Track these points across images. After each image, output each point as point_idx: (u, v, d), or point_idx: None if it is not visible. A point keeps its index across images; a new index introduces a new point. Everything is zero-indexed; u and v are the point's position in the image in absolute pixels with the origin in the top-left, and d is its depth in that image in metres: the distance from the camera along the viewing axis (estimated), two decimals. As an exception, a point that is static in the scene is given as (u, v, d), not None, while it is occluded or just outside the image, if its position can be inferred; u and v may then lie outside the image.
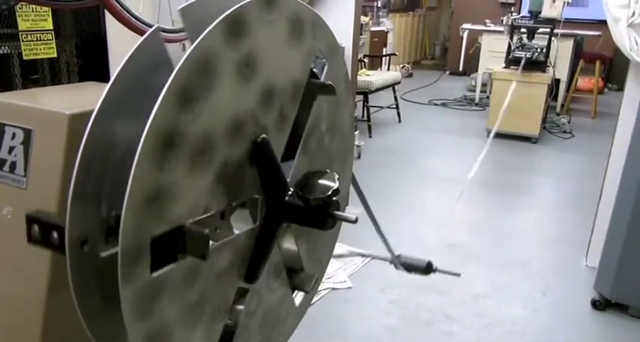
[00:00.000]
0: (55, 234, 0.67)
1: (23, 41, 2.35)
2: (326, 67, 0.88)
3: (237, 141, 0.71)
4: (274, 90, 0.76)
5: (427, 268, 0.84)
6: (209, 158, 0.67)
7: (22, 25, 2.33)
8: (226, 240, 0.74)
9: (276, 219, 0.78)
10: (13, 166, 0.83)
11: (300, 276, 0.93)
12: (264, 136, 0.73)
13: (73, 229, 0.63)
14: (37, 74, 2.72)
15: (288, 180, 0.80)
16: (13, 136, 0.83)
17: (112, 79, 0.63)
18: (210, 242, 0.68)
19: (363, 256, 0.80)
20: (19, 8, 2.30)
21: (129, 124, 0.65)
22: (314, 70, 0.83)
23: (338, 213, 0.76)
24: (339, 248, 2.67)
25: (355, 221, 0.76)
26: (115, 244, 0.59)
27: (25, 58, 2.40)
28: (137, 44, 0.66)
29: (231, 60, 0.67)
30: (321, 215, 0.75)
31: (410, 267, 0.86)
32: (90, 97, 0.68)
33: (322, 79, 0.86)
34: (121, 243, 0.57)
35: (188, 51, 0.61)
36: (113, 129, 0.66)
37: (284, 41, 0.76)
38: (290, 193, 0.78)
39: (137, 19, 1.04)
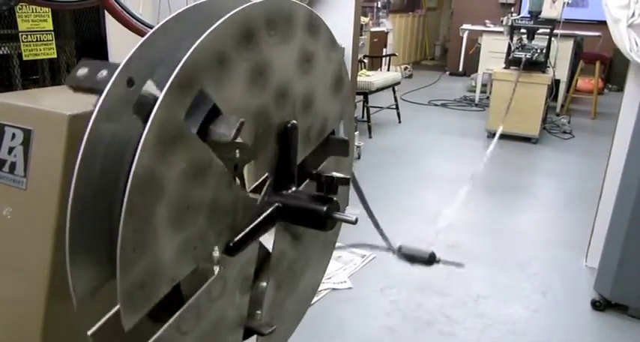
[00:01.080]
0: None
1: (23, 42, 2.36)
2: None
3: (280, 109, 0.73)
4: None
5: (430, 260, 0.84)
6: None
7: (22, 25, 2.33)
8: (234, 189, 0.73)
9: (275, 208, 0.78)
10: (12, 166, 0.83)
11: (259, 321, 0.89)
12: (294, 122, 0.77)
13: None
14: (37, 75, 2.73)
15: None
16: (13, 136, 0.83)
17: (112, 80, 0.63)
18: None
19: (367, 246, 0.81)
20: (19, 9, 2.30)
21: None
22: None
23: (337, 214, 0.76)
24: (341, 249, 2.67)
25: (355, 222, 0.76)
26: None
27: (25, 58, 2.40)
28: (137, 45, 0.66)
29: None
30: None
31: (412, 258, 0.86)
32: (90, 97, 0.68)
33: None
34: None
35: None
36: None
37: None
38: (291, 192, 0.78)
39: (137, 20, 1.04)
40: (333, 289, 2.37)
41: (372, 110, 5.17)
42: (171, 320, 0.67)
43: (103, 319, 0.67)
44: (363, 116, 5.07)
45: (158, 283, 0.63)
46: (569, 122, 5.44)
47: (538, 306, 2.31)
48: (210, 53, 0.62)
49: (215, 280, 0.73)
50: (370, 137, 4.90)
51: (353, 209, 1.11)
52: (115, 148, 0.62)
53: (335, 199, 0.77)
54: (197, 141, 0.64)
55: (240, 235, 0.73)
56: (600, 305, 2.27)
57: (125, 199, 0.55)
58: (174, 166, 0.61)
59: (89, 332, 0.68)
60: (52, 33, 2.46)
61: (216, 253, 0.72)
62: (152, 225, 0.60)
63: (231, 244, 0.72)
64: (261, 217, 0.75)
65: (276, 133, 0.76)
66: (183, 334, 0.70)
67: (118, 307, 0.59)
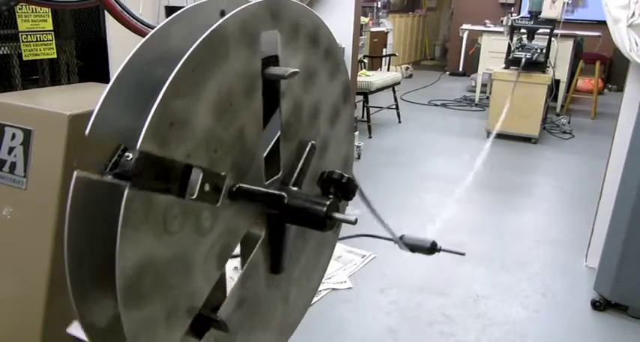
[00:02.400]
0: None
1: (23, 42, 2.36)
2: None
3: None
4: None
5: (431, 248, 0.84)
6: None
7: (22, 25, 2.33)
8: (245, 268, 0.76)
9: (280, 223, 0.80)
10: (12, 166, 0.83)
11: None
12: (238, 185, 0.75)
13: None
14: (37, 75, 2.72)
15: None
16: (13, 136, 0.83)
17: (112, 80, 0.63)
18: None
19: (370, 237, 0.81)
20: (19, 9, 2.30)
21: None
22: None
23: (337, 214, 0.76)
24: (339, 248, 2.67)
25: (355, 222, 0.76)
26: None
27: (25, 58, 2.40)
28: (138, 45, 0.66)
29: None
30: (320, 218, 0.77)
31: (414, 247, 0.86)
32: (90, 97, 0.68)
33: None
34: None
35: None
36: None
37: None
38: (289, 194, 0.78)
39: (137, 20, 1.04)
40: (333, 289, 2.37)
41: (371, 110, 5.17)
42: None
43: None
44: (363, 116, 5.06)
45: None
46: (569, 122, 5.44)
47: (538, 306, 2.31)
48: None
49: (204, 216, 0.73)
50: (370, 137, 4.90)
51: (353, 209, 1.11)
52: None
53: (335, 199, 0.77)
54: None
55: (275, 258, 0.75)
56: (600, 305, 2.27)
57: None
58: None
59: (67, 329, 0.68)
60: (52, 33, 2.46)
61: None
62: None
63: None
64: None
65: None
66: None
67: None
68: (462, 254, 0.83)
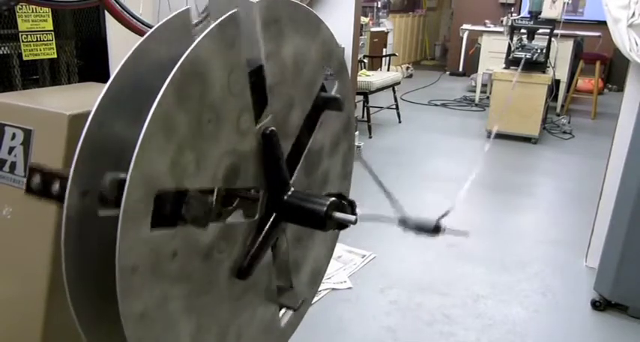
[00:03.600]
0: (56, 185, 0.66)
1: (23, 42, 2.36)
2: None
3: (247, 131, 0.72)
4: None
5: (435, 229, 0.84)
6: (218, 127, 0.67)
7: (22, 25, 2.33)
8: (226, 224, 0.73)
9: (275, 216, 0.78)
10: (13, 166, 0.83)
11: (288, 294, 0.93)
12: (273, 128, 0.75)
13: (76, 180, 0.61)
14: (37, 75, 2.73)
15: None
16: (13, 136, 0.83)
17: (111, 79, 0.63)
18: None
19: (373, 218, 0.80)
20: (19, 9, 2.30)
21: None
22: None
23: (337, 214, 0.76)
24: (339, 248, 2.67)
25: (355, 222, 0.76)
26: (111, 207, 0.59)
27: (25, 58, 2.40)
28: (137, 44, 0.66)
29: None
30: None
31: (419, 228, 0.86)
32: (90, 97, 0.68)
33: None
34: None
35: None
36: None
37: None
38: (290, 193, 0.78)
39: (137, 20, 1.04)
40: (333, 288, 2.37)
41: (372, 110, 5.17)
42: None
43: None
44: (363, 116, 5.07)
45: None
46: (569, 122, 5.44)
47: (538, 306, 2.31)
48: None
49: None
50: (370, 137, 4.90)
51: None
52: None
53: (334, 198, 0.77)
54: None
55: (247, 259, 0.76)
56: (600, 305, 2.27)
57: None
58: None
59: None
60: (52, 33, 2.46)
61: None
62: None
63: (243, 268, 0.75)
64: (262, 236, 0.78)
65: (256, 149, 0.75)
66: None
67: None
68: (466, 234, 0.83)
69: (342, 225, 0.79)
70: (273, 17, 0.74)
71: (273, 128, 0.75)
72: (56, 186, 0.67)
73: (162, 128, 0.58)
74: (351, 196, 1.12)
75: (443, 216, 0.84)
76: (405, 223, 0.86)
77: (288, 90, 0.80)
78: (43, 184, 0.68)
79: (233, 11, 0.66)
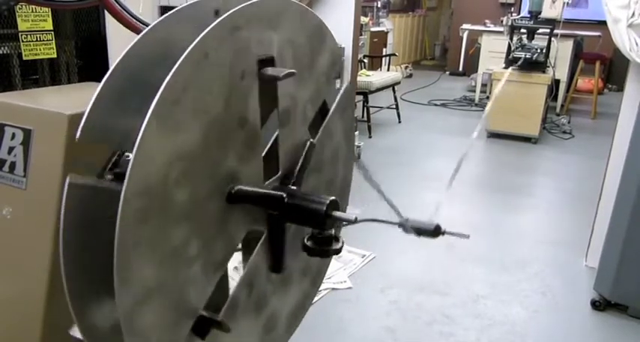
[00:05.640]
0: None
1: (23, 41, 2.36)
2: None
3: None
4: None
5: (436, 231, 0.85)
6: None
7: (22, 25, 2.33)
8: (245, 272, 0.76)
9: (280, 223, 0.80)
10: (12, 166, 0.83)
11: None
12: (237, 188, 0.74)
13: None
14: (37, 74, 2.72)
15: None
16: (13, 136, 0.83)
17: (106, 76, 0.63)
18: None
19: (372, 221, 0.80)
20: (19, 9, 2.30)
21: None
22: None
23: (337, 213, 0.76)
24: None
25: (355, 221, 0.76)
26: None
27: (24, 58, 2.40)
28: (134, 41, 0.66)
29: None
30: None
31: (419, 230, 0.86)
32: (90, 97, 0.68)
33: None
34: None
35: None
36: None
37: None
38: (288, 194, 0.78)
39: (137, 19, 1.04)
40: (333, 288, 2.37)
41: (371, 110, 5.17)
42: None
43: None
44: (362, 116, 5.06)
45: None
46: (569, 122, 5.44)
47: (538, 306, 2.31)
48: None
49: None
50: (370, 137, 4.89)
51: (353, 209, 1.11)
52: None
53: (334, 198, 0.77)
54: None
55: (273, 261, 0.76)
56: (600, 305, 2.27)
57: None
58: None
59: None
60: (52, 33, 2.46)
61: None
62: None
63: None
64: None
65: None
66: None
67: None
68: (467, 237, 0.83)
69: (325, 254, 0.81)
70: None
71: (237, 188, 0.75)
72: None
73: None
74: (353, 196, 1.12)
75: (435, 210, 0.85)
76: (405, 225, 0.86)
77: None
78: None
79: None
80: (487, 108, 4.72)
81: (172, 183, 0.63)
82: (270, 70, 0.76)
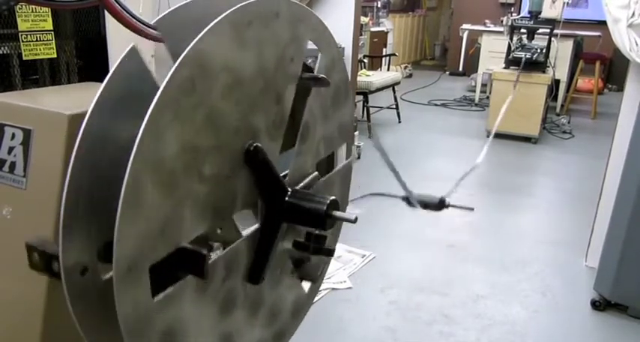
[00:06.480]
0: (56, 263, 0.67)
1: (23, 41, 2.35)
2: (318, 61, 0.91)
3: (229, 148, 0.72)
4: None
5: (440, 204, 0.86)
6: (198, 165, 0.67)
7: (21, 25, 2.33)
8: (226, 251, 0.74)
9: (276, 220, 0.78)
10: (12, 166, 0.83)
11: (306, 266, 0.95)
12: (256, 144, 0.74)
13: (68, 256, 0.62)
14: (37, 75, 2.72)
15: (286, 174, 0.82)
16: (13, 136, 0.83)
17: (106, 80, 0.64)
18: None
19: (377, 195, 0.82)
20: (19, 9, 2.30)
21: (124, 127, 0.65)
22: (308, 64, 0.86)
23: (337, 213, 0.76)
24: (339, 248, 2.67)
25: (355, 221, 0.76)
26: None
27: (24, 58, 2.40)
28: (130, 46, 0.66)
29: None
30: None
31: (424, 203, 0.87)
32: (90, 97, 0.68)
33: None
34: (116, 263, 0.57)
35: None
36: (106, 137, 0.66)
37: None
38: (289, 193, 0.78)
39: (137, 20, 1.04)
40: (333, 288, 2.37)
41: (371, 110, 5.17)
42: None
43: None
44: (362, 116, 5.07)
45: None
46: (569, 122, 5.44)
47: (538, 306, 2.31)
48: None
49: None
50: (370, 137, 4.89)
51: (353, 209, 1.11)
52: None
53: (334, 197, 0.77)
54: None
55: (259, 265, 0.77)
56: (600, 305, 2.27)
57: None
58: None
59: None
60: (52, 33, 2.46)
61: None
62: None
63: (255, 274, 0.77)
64: (266, 242, 0.78)
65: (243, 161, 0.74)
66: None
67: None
68: (471, 209, 0.84)
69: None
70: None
71: (257, 144, 0.74)
72: (56, 265, 0.67)
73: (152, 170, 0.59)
74: (361, 182, 1.13)
75: (447, 194, 0.86)
76: (410, 199, 0.88)
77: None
78: (43, 263, 0.70)
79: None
80: (497, 121, 4.70)
81: (220, 90, 0.67)
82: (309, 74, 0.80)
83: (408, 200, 0.87)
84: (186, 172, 0.65)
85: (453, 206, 0.87)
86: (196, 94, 0.63)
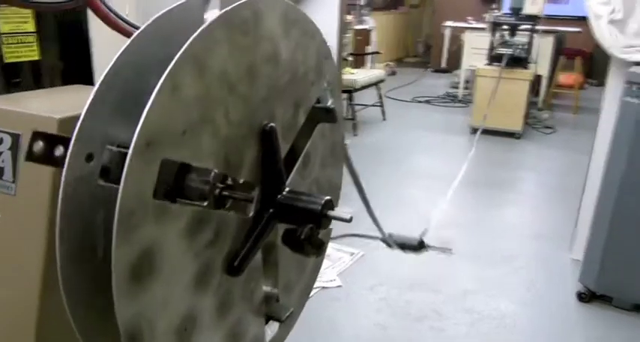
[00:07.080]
0: (61, 148, 0.65)
1: (4, 44, 2.32)
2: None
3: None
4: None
5: (419, 246, 0.86)
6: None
7: (3, 27, 2.29)
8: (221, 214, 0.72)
9: (269, 211, 0.78)
10: (1, 172, 0.82)
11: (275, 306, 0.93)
12: (273, 124, 0.76)
13: (78, 143, 0.60)
14: (19, 77, 2.68)
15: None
16: (1, 141, 0.82)
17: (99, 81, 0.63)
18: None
19: (358, 236, 0.82)
20: (1, 11, 2.26)
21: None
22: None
23: (332, 212, 0.76)
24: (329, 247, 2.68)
25: (350, 220, 0.76)
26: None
27: (6, 61, 2.37)
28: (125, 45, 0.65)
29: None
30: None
31: (403, 245, 0.87)
32: (77, 100, 0.68)
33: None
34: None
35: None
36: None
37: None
38: (285, 192, 0.78)
39: (123, 21, 1.03)
40: (323, 287, 2.37)
41: (356, 108, 5.18)
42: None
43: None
44: (347, 114, 5.08)
45: None
46: (551, 117, 5.51)
47: (525, 299, 2.34)
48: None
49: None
50: (355, 135, 4.91)
51: (347, 208, 1.12)
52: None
53: (329, 197, 0.78)
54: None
55: (240, 256, 0.75)
56: (585, 297, 2.31)
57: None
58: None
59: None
60: (35, 35, 2.43)
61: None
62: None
63: (235, 264, 0.74)
64: (255, 234, 0.77)
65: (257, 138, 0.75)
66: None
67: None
68: (450, 251, 0.84)
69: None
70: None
71: (272, 124, 0.76)
72: (60, 149, 0.65)
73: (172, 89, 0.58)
74: (343, 198, 1.13)
75: (423, 234, 0.86)
76: (388, 241, 0.87)
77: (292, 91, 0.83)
78: (46, 149, 0.67)
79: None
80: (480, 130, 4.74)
81: (261, 53, 0.71)
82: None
83: (386, 242, 0.87)
84: (219, 98, 0.66)
85: (432, 247, 0.87)
86: (249, 38, 0.68)
